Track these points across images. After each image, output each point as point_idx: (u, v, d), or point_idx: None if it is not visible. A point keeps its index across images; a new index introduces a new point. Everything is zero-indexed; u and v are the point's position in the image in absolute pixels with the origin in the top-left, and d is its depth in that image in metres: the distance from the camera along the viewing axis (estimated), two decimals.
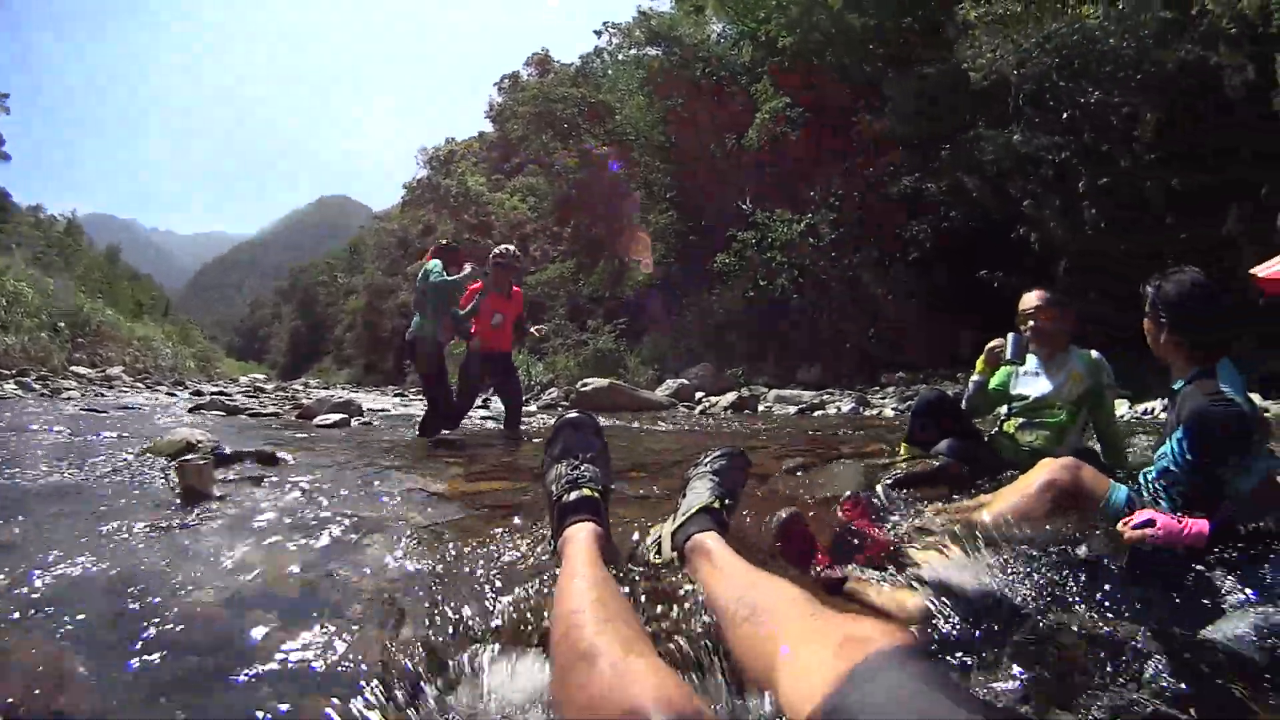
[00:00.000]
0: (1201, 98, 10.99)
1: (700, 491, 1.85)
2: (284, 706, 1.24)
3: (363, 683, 1.31)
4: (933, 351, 14.00)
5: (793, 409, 11.01)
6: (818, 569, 1.93)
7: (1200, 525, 1.79)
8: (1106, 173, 11.91)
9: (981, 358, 3.44)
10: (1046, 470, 2.37)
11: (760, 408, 11.86)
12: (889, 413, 9.80)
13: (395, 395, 18.67)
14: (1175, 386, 2.37)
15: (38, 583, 1.76)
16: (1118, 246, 11.16)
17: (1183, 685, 1.31)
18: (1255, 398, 6.98)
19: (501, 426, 7.08)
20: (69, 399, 10.96)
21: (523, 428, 6.80)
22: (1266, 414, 6.88)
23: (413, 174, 45.16)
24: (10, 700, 1.25)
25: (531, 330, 7.49)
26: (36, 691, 1.28)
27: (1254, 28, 10.32)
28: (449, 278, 6.17)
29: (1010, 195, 13.20)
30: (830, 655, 0.96)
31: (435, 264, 6.23)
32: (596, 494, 1.80)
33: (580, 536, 1.62)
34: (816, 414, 10.33)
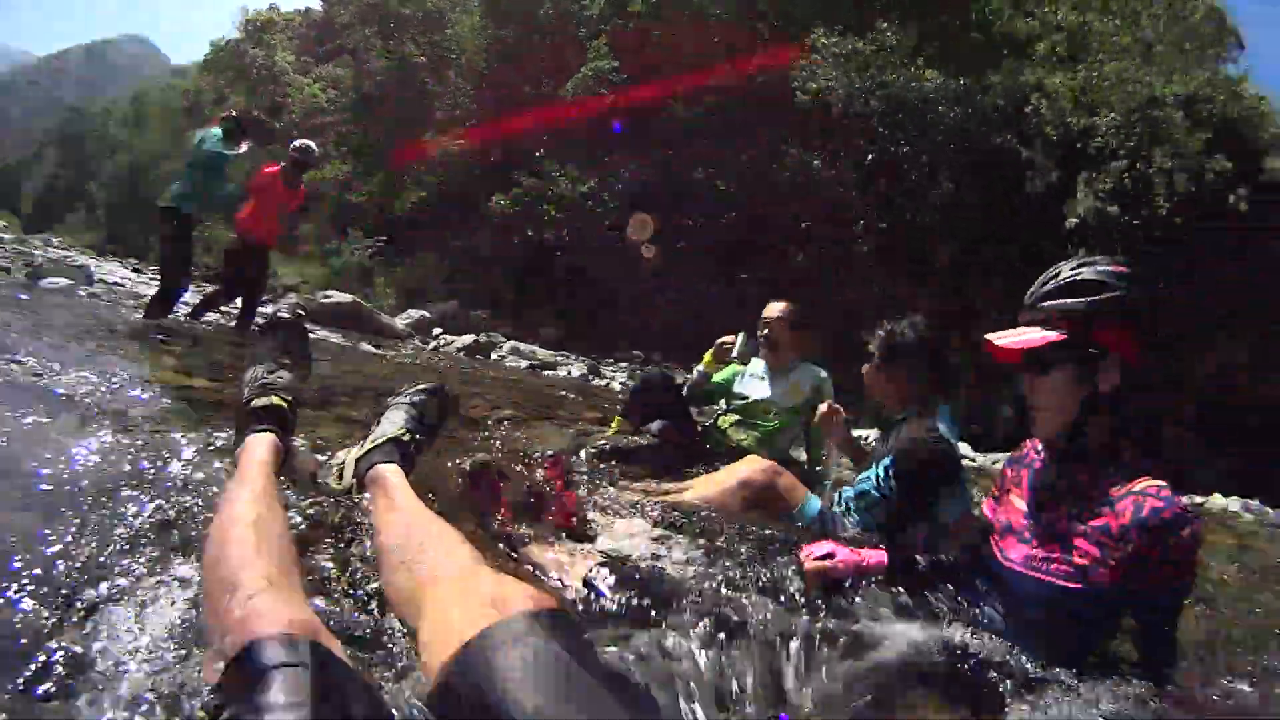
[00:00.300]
0: (1018, 189, 12.34)
1: (395, 421, 1.82)
2: None
3: (17, 585, 1.23)
4: (677, 336, 14.14)
5: (525, 363, 10.99)
6: (498, 521, 1.91)
7: (880, 557, 1.80)
8: (891, 220, 12.88)
9: (710, 351, 3.58)
10: (745, 469, 2.51)
11: (494, 356, 11.69)
12: (616, 385, 9.90)
13: (133, 269, 16.70)
14: (894, 419, 2.53)
15: None
16: (898, 291, 12.06)
17: (838, 684, 1.36)
18: (964, 448, 7.85)
19: (232, 323, 6.73)
20: None
21: (253, 328, 6.32)
22: (974, 463, 7.81)
23: (224, 35, 40.85)
24: None
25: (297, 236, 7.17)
26: None
27: (1074, 144, 11.76)
28: (226, 150, 5.73)
29: (790, 213, 13.99)
30: (473, 612, 0.99)
31: (216, 131, 5.77)
32: (285, 404, 1.74)
33: (259, 448, 1.57)
34: (547, 373, 10.34)
